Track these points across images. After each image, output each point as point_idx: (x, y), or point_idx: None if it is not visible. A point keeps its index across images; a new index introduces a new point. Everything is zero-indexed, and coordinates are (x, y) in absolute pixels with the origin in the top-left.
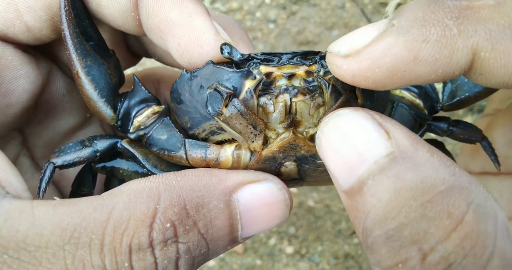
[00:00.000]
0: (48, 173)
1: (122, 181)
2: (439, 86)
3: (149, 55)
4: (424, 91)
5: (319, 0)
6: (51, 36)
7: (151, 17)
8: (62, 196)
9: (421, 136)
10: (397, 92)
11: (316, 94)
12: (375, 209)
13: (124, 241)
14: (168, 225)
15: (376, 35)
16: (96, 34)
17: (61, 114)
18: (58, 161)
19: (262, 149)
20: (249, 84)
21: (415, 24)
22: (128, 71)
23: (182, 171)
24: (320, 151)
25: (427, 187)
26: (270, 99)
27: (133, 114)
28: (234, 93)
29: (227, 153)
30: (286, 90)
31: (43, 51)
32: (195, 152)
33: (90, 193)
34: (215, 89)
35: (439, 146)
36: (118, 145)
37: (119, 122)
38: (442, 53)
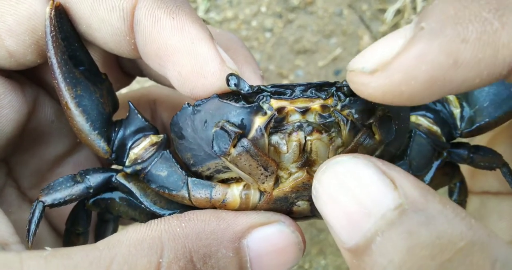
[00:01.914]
0: (37, 214)
1: (116, 219)
2: (456, 112)
3: (144, 75)
4: (442, 117)
5: (316, 7)
6: (37, 61)
7: (149, 42)
8: (52, 227)
9: (440, 165)
10: (413, 119)
11: (334, 133)
12: None
13: None
14: None
15: (404, 42)
16: (86, 58)
17: (50, 141)
18: (48, 199)
19: (273, 189)
20: (259, 121)
21: (448, 23)
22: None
23: (186, 214)
24: (317, 203)
25: (445, 243)
26: (283, 138)
27: (129, 145)
28: (243, 133)
29: (234, 193)
30: (300, 127)
31: (28, 75)
32: (199, 192)
33: (85, 232)
34: (222, 128)
35: (454, 168)
36: (113, 179)
37: (113, 155)
38: (486, 52)
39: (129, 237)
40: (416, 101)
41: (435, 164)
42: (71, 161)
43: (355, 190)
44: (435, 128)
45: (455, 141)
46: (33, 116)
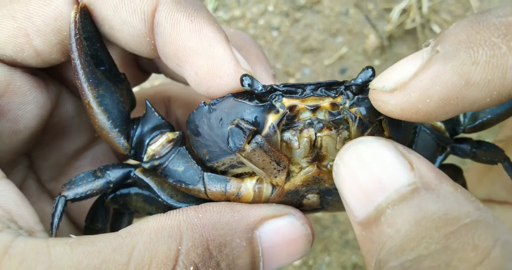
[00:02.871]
0: (60, 208)
1: (131, 213)
2: None
3: (159, 72)
4: None
5: (323, 6)
6: (61, 59)
7: (168, 44)
8: (71, 220)
9: (444, 159)
10: None
11: (343, 130)
12: (392, 239)
13: None
14: (192, 268)
15: (421, 64)
16: (107, 58)
17: (70, 135)
18: (70, 194)
19: (285, 183)
20: (272, 119)
21: (461, 47)
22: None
23: (203, 205)
24: (336, 179)
25: (451, 218)
26: (294, 135)
27: (147, 142)
28: (257, 130)
29: (248, 187)
30: (310, 124)
31: (52, 73)
32: (215, 186)
33: (104, 228)
34: (237, 126)
35: (457, 171)
36: (132, 174)
37: (132, 152)
38: (495, 74)
39: (150, 226)
40: (432, 118)
41: (439, 159)
42: (89, 155)
43: (374, 167)
44: (439, 124)
45: (458, 136)
46: (55, 112)
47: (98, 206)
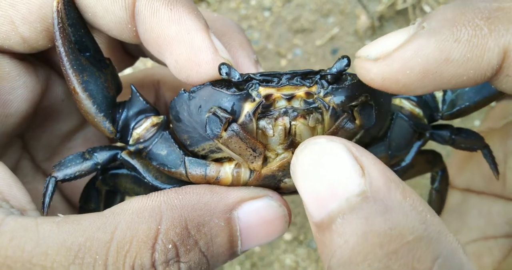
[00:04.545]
0: (50, 188)
1: (123, 195)
2: (439, 95)
3: (146, 56)
4: (424, 100)
5: None
6: (48, 45)
7: (148, 31)
8: (65, 198)
9: (423, 145)
10: (397, 101)
11: (316, 118)
12: (341, 249)
13: (127, 262)
14: (170, 246)
15: (406, 38)
16: (92, 44)
17: (61, 117)
18: (60, 175)
19: (262, 168)
20: (248, 107)
21: (446, 25)
22: (126, 71)
23: (184, 188)
24: (294, 177)
25: (395, 235)
26: (269, 123)
27: (132, 125)
28: (233, 118)
29: (226, 171)
30: (285, 113)
31: (40, 58)
32: (195, 170)
33: (97, 208)
34: (214, 114)
35: (437, 157)
36: (118, 156)
37: (118, 135)
38: (474, 52)
39: (132, 206)
40: (410, 90)
41: (417, 144)
42: (81, 136)
43: (326, 170)
44: (417, 110)
45: (438, 123)
46: (45, 95)
47: (90, 187)
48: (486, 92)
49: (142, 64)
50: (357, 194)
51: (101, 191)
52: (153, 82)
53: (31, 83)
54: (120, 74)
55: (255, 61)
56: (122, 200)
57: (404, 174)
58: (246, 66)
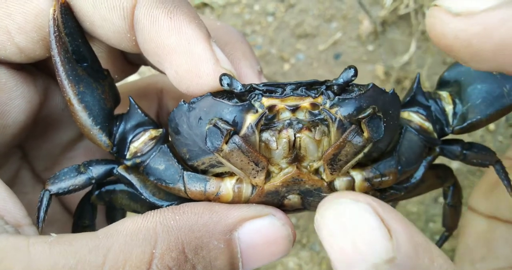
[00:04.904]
0: (45, 202)
1: (122, 211)
2: (449, 108)
3: (148, 65)
4: (434, 113)
5: None
6: (45, 55)
7: (148, 41)
8: (66, 209)
9: (433, 160)
10: (405, 115)
11: (322, 130)
12: None
13: None
14: None
15: (497, 3)
16: (89, 54)
17: (61, 127)
18: (54, 188)
19: (264, 183)
20: (250, 118)
21: None
22: (131, 78)
23: (181, 206)
24: (319, 234)
25: None
26: (273, 135)
27: (130, 139)
28: (235, 130)
29: (227, 186)
30: (289, 125)
31: (39, 67)
32: (194, 185)
33: (91, 224)
34: (215, 125)
35: (447, 172)
36: (114, 171)
37: (114, 149)
38: None
39: (126, 227)
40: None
41: (427, 160)
42: (82, 146)
43: (353, 233)
44: (427, 124)
45: (449, 137)
46: (44, 105)
47: (85, 203)
48: (497, 105)
49: (147, 69)
50: (385, 261)
51: (96, 207)
52: (156, 91)
53: (29, 94)
54: (123, 82)
55: (259, 71)
56: (123, 215)
57: (414, 190)
58: (250, 77)
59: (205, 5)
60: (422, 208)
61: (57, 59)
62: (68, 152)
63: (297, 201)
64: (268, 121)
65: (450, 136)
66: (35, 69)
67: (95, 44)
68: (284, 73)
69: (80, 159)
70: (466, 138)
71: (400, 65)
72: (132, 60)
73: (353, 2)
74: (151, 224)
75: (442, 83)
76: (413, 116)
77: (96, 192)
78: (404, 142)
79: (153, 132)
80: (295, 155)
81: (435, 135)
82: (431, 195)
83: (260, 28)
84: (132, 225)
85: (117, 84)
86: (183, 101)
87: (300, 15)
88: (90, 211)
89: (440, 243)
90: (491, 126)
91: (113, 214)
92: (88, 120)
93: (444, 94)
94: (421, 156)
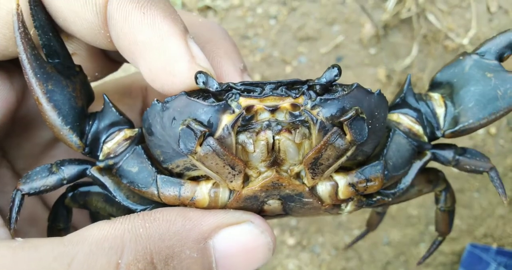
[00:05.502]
0: (17, 202)
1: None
2: (440, 111)
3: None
4: (424, 116)
5: None
6: None
7: (121, 37)
8: (45, 204)
9: (424, 166)
10: (394, 117)
11: (303, 132)
12: None
13: None
14: None
15: None
16: (61, 48)
17: (41, 125)
18: (25, 188)
19: (242, 188)
20: (226, 119)
21: None
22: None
23: (153, 213)
24: None
25: None
26: (250, 137)
27: (103, 139)
28: (210, 131)
29: (203, 191)
30: (268, 126)
31: (17, 64)
32: (168, 190)
33: (66, 227)
34: (188, 127)
35: (438, 176)
36: (87, 172)
37: (87, 149)
38: None
39: (93, 234)
40: None
41: (417, 164)
42: (63, 144)
43: None
44: (417, 127)
45: (441, 141)
46: (23, 103)
47: (59, 205)
48: (491, 108)
49: (132, 66)
50: None
51: (71, 209)
52: (141, 89)
53: (4, 92)
54: (107, 79)
55: (242, 70)
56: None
57: (403, 195)
58: (231, 75)
59: (208, 8)
60: (422, 211)
61: (23, 57)
62: (49, 150)
63: (278, 206)
64: (246, 122)
65: (442, 140)
66: (13, 66)
67: (74, 41)
68: (286, 76)
69: (61, 157)
70: (467, 141)
71: (402, 68)
72: (113, 57)
73: (355, 6)
74: (119, 231)
75: (434, 85)
76: (402, 119)
77: (70, 194)
78: (392, 146)
79: (128, 132)
80: (274, 158)
81: (425, 138)
82: (431, 198)
83: (263, 31)
84: (98, 232)
85: (101, 81)
86: (157, 100)
87: (302, 19)
88: (65, 214)
89: (433, 248)
90: (492, 130)
91: (97, 215)
92: (58, 120)
93: (436, 96)
94: (410, 160)
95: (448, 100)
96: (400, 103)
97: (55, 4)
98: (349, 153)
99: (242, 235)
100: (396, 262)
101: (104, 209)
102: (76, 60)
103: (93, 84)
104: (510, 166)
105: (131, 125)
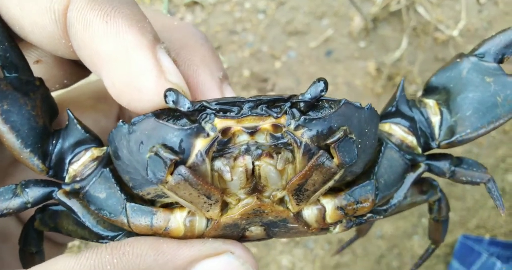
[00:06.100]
0: None
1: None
2: (435, 120)
3: None
4: (418, 125)
5: None
6: None
7: (82, 48)
8: (20, 220)
9: (417, 179)
10: (386, 128)
11: (286, 156)
12: None
13: None
14: None
15: None
16: (19, 60)
17: None
18: None
19: (221, 216)
20: (200, 144)
21: None
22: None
23: (122, 245)
24: None
25: None
26: (227, 164)
27: (68, 159)
28: (180, 159)
29: (178, 220)
30: (247, 151)
31: None
32: (139, 219)
33: (39, 251)
34: (156, 154)
35: (432, 187)
36: (54, 195)
37: (51, 172)
38: None
39: None
40: None
41: (411, 177)
42: None
43: None
44: (410, 138)
45: (435, 151)
46: None
47: (29, 229)
48: (490, 117)
49: None
50: None
51: (42, 232)
52: None
53: None
54: (80, 83)
55: (220, 79)
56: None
57: (395, 209)
58: (208, 86)
59: (195, 3)
60: None
61: None
62: (18, 163)
63: (260, 232)
64: (222, 146)
65: (436, 149)
66: None
67: (37, 48)
68: (275, 71)
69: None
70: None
71: (392, 61)
72: (83, 63)
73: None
74: (85, 268)
75: (429, 90)
76: (395, 130)
77: (38, 215)
78: (383, 162)
79: (95, 152)
80: (255, 184)
81: (419, 149)
82: None
83: (251, 26)
84: (63, 268)
85: (73, 86)
86: (122, 121)
87: (291, 13)
88: (35, 237)
89: (426, 256)
90: None
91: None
92: (16, 142)
93: (431, 103)
94: (403, 175)
95: (444, 107)
96: (393, 112)
97: (10, 11)
98: (336, 177)
99: (221, 267)
100: (390, 255)
101: (76, 232)
102: (42, 68)
103: (63, 90)
104: (501, 157)
105: (99, 143)
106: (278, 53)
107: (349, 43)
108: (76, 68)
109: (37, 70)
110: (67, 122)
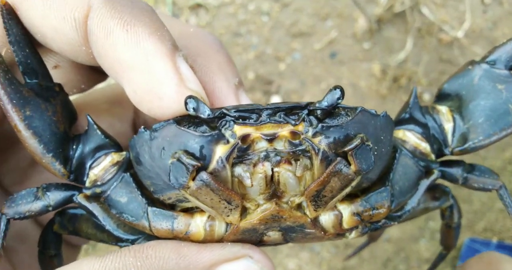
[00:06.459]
0: (2, 226)
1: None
2: (448, 126)
3: None
4: (431, 132)
5: None
6: None
7: (103, 56)
8: (37, 222)
9: (430, 185)
10: (400, 134)
11: (304, 163)
12: None
13: None
14: None
15: None
16: (39, 66)
17: None
18: (10, 212)
19: (240, 221)
20: (220, 151)
21: None
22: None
23: (145, 248)
24: None
25: None
26: (247, 170)
27: (89, 164)
28: (202, 165)
29: (198, 224)
30: (266, 157)
31: None
32: (160, 223)
33: (58, 253)
34: (178, 160)
35: (444, 193)
36: (74, 198)
37: (72, 177)
38: None
39: None
40: None
41: (424, 183)
42: None
43: None
44: (424, 145)
45: (447, 158)
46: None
47: (48, 232)
48: (502, 124)
49: None
50: None
51: (61, 235)
52: None
53: None
54: (99, 86)
55: (236, 86)
56: None
57: (408, 215)
58: (224, 93)
59: (199, 5)
60: None
61: None
62: (38, 164)
63: (278, 237)
64: (242, 153)
65: (449, 156)
66: None
67: (56, 54)
68: (280, 73)
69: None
70: None
71: (397, 63)
72: (100, 68)
73: (348, 1)
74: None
75: (442, 96)
76: (409, 136)
77: (58, 218)
78: (398, 168)
79: (115, 157)
80: (274, 190)
81: (433, 156)
82: None
83: (255, 28)
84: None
85: (89, 91)
86: (144, 128)
87: (295, 14)
88: (54, 240)
89: (437, 261)
90: None
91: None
92: (39, 148)
93: (444, 109)
94: (417, 182)
95: (456, 114)
96: (406, 119)
97: (32, 19)
98: (354, 183)
99: None
100: (397, 258)
101: (95, 236)
102: (60, 73)
103: (79, 94)
104: (508, 159)
105: (118, 148)
106: (282, 55)
107: (353, 44)
108: (93, 73)
109: (55, 75)
110: (86, 128)
